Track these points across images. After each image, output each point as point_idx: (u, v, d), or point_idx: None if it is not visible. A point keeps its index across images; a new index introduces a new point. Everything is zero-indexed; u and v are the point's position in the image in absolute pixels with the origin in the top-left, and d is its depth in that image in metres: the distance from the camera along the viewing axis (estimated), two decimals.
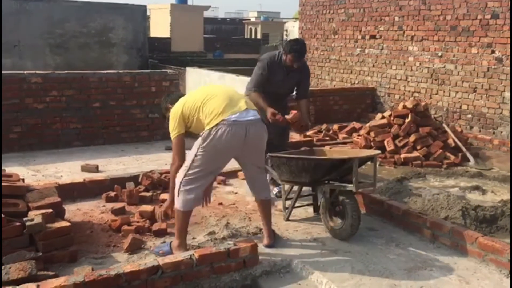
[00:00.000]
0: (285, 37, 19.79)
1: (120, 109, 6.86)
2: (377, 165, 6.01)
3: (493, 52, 7.53)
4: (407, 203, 4.41)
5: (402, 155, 6.29)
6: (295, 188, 4.30)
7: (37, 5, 13.99)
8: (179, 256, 3.13)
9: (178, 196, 3.41)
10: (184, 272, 3.06)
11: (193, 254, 3.13)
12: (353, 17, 10.10)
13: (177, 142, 3.46)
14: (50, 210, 3.41)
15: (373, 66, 9.74)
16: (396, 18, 9.13)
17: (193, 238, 3.75)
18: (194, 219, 4.13)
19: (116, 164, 5.86)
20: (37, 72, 6.62)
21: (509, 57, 7.29)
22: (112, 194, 4.54)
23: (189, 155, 3.41)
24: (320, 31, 11.02)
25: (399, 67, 9.18)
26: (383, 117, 6.98)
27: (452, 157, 6.29)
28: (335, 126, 8.03)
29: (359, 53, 10.04)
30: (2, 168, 4.31)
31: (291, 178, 4.13)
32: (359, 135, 7.06)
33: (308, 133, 7.71)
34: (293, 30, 17.00)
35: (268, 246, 3.63)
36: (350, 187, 3.78)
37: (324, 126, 8.04)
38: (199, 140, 3.37)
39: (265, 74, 4.64)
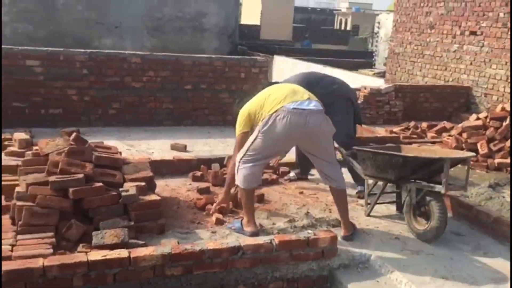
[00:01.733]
0: (376, 29, 19.20)
1: (209, 93, 7.09)
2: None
3: None
4: (498, 210, 4.16)
5: (496, 160, 5.92)
6: (379, 183, 4.22)
7: None
8: (260, 239, 3.22)
9: (237, 173, 3.57)
10: (264, 255, 3.14)
11: (273, 239, 3.19)
12: (453, 11, 9.58)
13: (239, 139, 3.64)
14: (143, 184, 3.63)
15: (471, 64, 9.21)
16: (501, 14, 8.52)
17: (273, 224, 3.82)
18: (274, 206, 4.21)
19: (203, 145, 6.08)
20: (137, 53, 7.02)
21: None
22: (198, 173, 4.73)
23: (250, 137, 3.54)
24: (416, 24, 10.58)
25: (500, 66, 8.60)
26: (478, 118, 6.61)
27: None
28: (424, 124, 7.71)
29: (456, 50, 9.53)
30: (101, 140, 4.64)
31: (376, 173, 4.05)
32: (449, 135, 6.74)
33: (395, 129, 7.52)
34: (385, 23, 16.45)
35: (345, 237, 3.60)
36: (439, 188, 3.64)
37: (412, 123, 7.77)
38: (260, 124, 3.48)
39: None
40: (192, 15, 15.42)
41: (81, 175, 3.36)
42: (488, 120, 6.42)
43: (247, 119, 3.58)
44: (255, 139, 3.49)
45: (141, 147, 5.72)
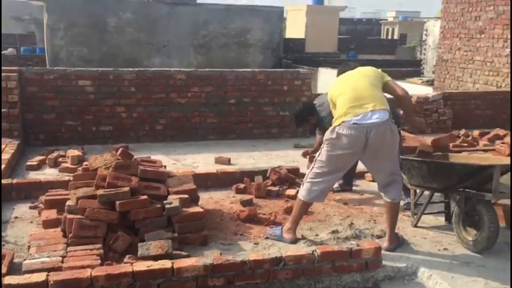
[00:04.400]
0: (424, 37, 18.77)
1: (253, 106, 7.17)
2: None
3: None
4: None
5: None
6: (426, 193, 4.10)
7: (185, 9, 15.15)
8: (302, 250, 3.20)
9: (303, 186, 3.60)
10: (306, 266, 3.12)
11: (316, 250, 3.17)
12: (503, 14, 9.25)
13: None
14: (187, 196, 3.71)
15: None
16: None
17: (316, 235, 3.79)
18: (318, 217, 4.18)
19: (247, 158, 6.13)
20: (182, 69, 7.22)
21: None
22: (242, 186, 4.77)
23: (320, 149, 3.59)
24: (464, 30, 10.29)
25: None
26: None
27: None
28: (476, 132, 7.46)
29: (508, 54, 9.16)
30: (148, 155, 4.78)
31: (422, 182, 3.94)
32: (503, 143, 6.46)
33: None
34: (433, 30, 16.06)
35: (388, 249, 3.52)
36: (489, 196, 3.49)
37: (462, 131, 7.51)
38: (326, 134, 3.51)
39: None
40: (237, 31, 15.67)
41: (127, 188, 3.47)
42: None
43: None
44: (321, 149, 3.54)
45: (186, 161, 5.85)
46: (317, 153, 3.59)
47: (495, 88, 9.40)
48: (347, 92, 3.50)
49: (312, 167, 3.57)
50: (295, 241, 3.62)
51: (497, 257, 3.47)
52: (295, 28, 27.94)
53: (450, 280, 3.14)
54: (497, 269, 3.31)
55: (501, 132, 7.18)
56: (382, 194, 3.65)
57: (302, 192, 3.59)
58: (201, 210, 3.68)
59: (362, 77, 3.60)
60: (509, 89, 9.06)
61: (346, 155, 3.46)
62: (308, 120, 4.78)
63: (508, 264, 3.38)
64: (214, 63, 14.76)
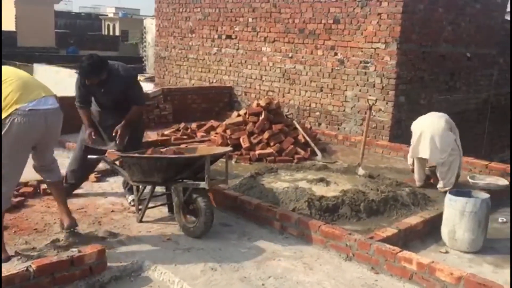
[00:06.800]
0: (144, 34, 19.29)
1: None
2: (233, 162, 6.17)
3: (336, 54, 8.17)
4: (259, 197, 4.56)
5: (257, 152, 6.51)
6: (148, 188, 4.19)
7: None
8: (13, 268, 2.85)
9: None
10: (20, 286, 2.79)
11: (31, 265, 2.87)
12: (209, 16, 10.20)
13: None
14: None
15: (230, 65, 9.95)
16: (250, 20, 9.42)
17: (33, 248, 3.44)
18: (35, 227, 3.83)
19: None
20: None
21: (349, 59, 8.00)
22: None
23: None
24: (177, 29, 10.94)
25: (254, 66, 9.50)
26: (239, 115, 7.17)
27: (302, 152, 6.69)
28: (194, 125, 8.02)
29: (216, 52, 10.17)
30: None
31: (143, 178, 4.01)
32: (216, 133, 7.15)
33: (166, 132, 7.62)
34: (151, 27, 16.64)
35: (70, 226, 3.57)
36: (203, 184, 3.78)
37: (182, 125, 7.99)
38: None
39: (82, 88, 4.36)
40: None
41: None
42: (247, 116, 7.01)
43: None
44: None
45: None
46: None
47: (208, 84, 10.32)
48: (13, 80, 3.30)
49: None
50: (6, 259, 3.21)
51: (215, 239, 3.81)
52: (3, 19, 24.94)
53: (173, 268, 3.28)
54: (215, 249, 3.63)
55: (215, 123, 7.90)
56: (43, 175, 3.66)
57: None
58: None
59: (23, 72, 3.55)
60: (219, 84, 10.10)
61: (26, 144, 3.30)
62: (99, 74, 4.20)
63: (224, 242, 3.75)
64: None
